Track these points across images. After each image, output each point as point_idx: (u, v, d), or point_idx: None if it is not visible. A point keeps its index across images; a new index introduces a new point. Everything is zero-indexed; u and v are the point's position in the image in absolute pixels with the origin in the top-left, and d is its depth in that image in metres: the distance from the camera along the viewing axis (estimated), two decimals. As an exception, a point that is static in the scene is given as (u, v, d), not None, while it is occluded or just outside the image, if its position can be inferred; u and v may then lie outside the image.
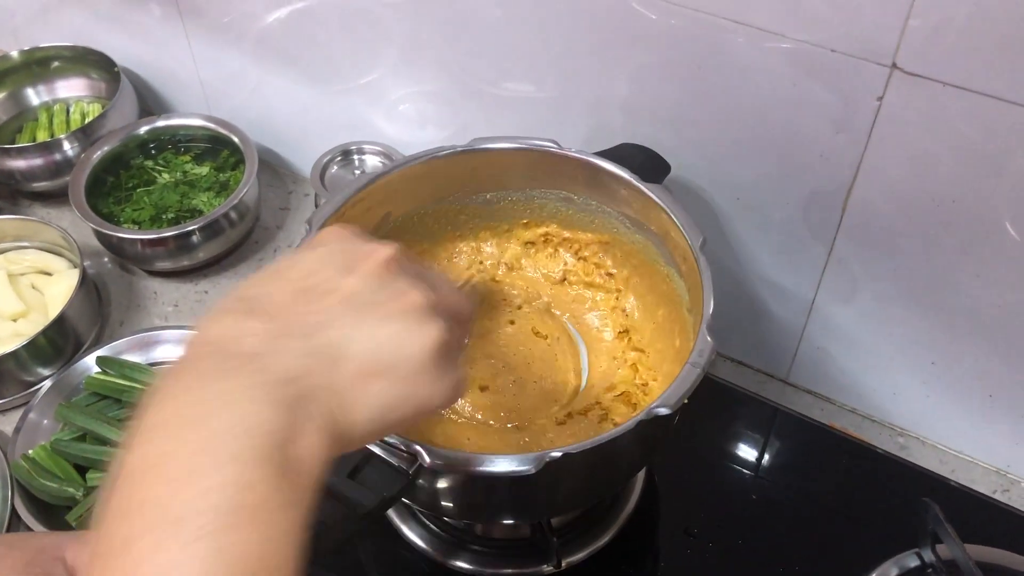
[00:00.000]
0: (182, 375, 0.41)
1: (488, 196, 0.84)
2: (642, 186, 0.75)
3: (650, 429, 0.61)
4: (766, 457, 0.89)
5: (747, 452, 0.89)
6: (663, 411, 0.60)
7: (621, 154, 0.80)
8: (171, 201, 1.10)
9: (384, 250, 0.47)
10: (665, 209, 0.73)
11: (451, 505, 0.68)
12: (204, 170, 1.14)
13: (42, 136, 1.20)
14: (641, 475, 0.84)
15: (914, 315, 0.82)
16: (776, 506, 0.84)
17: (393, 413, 0.44)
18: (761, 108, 0.77)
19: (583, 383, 0.80)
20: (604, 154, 0.78)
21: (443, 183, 0.82)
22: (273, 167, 1.23)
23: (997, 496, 0.86)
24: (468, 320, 0.51)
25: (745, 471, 0.87)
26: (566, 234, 0.85)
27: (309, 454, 0.39)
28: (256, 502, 0.36)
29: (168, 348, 0.99)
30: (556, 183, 0.82)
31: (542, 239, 0.87)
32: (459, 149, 0.79)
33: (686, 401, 0.61)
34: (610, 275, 0.85)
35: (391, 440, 0.59)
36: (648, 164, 0.80)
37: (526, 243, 0.87)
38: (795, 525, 0.83)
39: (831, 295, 0.86)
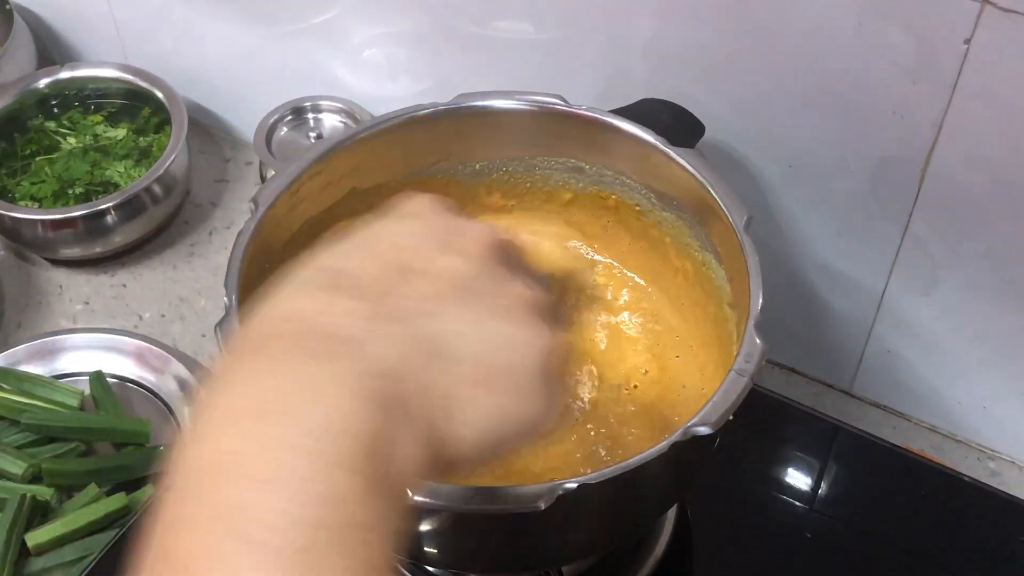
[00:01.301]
0: (258, 354, 0.40)
1: (478, 166, 0.84)
2: (670, 151, 0.75)
3: (686, 453, 0.61)
4: (824, 487, 0.89)
5: (801, 481, 0.89)
6: (703, 431, 0.60)
7: (643, 112, 0.80)
8: (79, 172, 1.10)
9: (485, 229, 0.49)
10: (700, 179, 0.73)
11: (440, 552, 0.68)
12: (120, 133, 1.14)
13: (-85, 91, 1.19)
14: (672, 512, 0.84)
15: (1008, 309, 0.83)
16: (837, 548, 0.84)
17: (503, 431, 0.44)
18: (819, 54, 0.77)
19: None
20: (622, 112, 0.78)
21: (422, 150, 0.81)
22: (206, 129, 1.22)
23: (1112, 534, 0.87)
24: (564, 326, 0.52)
25: (798, 504, 0.88)
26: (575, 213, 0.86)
27: (403, 468, 0.40)
28: (344, 520, 0.37)
29: (78, 356, 0.99)
30: (563, 149, 0.81)
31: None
32: (441, 108, 0.79)
33: (731, 418, 0.61)
34: (634, 264, 0.85)
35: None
36: (677, 125, 0.80)
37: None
38: (861, 571, 0.83)
39: (905, 285, 0.87)
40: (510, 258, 0.49)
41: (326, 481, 0.37)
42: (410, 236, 0.47)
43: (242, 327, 0.43)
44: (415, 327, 0.43)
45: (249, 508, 0.36)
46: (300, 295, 0.43)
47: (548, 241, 0.82)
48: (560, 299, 0.82)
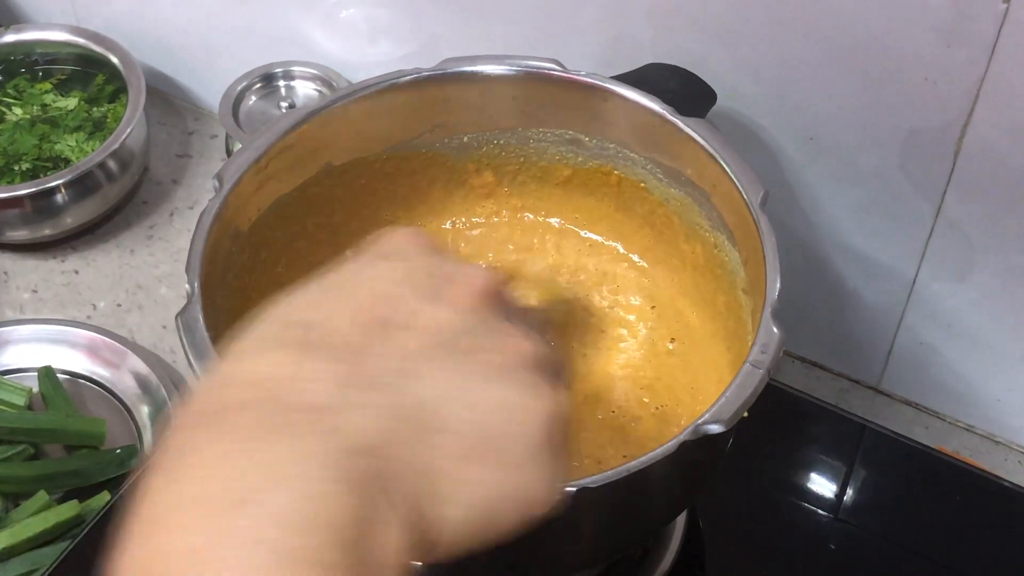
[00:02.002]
0: (212, 430, 0.39)
1: (466, 139, 0.84)
2: (679, 121, 0.75)
3: (696, 454, 0.61)
4: (849, 493, 0.89)
5: (824, 486, 0.89)
6: (714, 429, 0.60)
7: (649, 78, 0.80)
8: (26, 146, 1.10)
9: (478, 273, 0.47)
10: (711, 152, 0.73)
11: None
12: (71, 103, 1.14)
13: None
14: (681, 519, 0.85)
15: (1052, 297, 0.83)
16: (864, 560, 0.84)
17: (496, 511, 0.43)
18: (843, 14, 0.77)
19: None
20: (626, 79, 0.79)
21: (404, 121, 0.81)
22: (167, 98, 1.22)
23: None
24: (567, 382, 0.50)
25: (821, 512, 0.88)
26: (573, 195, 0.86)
27: (383, 557, 0.38)
28: None
29: (25, 349, 0.99)
30: (560, 120, 0.81)
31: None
32: (425, 74, 0.79)
33: (745, 415, 0.61)
34: (638, 244, 0.86)
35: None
36: (686, 92, 0.81)
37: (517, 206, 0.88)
38: (890, 585, 0.83)
39: (939, 271, 0.87)
40: (504, 304, 0.48)
41: None
42: (391, 283, 0.46)
43: (195, 393, 0.41)
44: (397, 392, 0.42)
45: None
46: (263, 354, 0.42)
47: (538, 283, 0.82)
48: (560, 349, 0.82)
